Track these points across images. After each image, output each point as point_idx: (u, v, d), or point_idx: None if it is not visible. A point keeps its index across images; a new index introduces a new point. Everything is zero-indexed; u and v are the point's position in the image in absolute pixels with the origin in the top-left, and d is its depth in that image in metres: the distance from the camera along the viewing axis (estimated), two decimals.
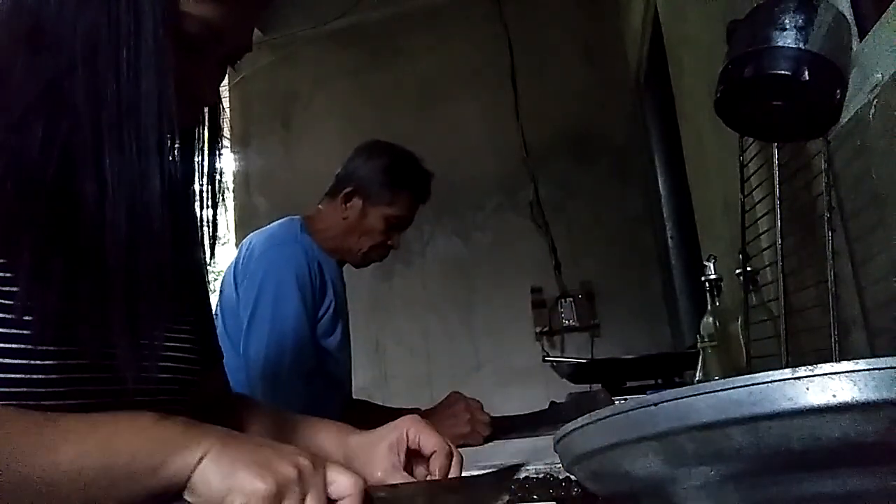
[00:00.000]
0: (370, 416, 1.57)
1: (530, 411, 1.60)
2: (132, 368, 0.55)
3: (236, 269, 1.56)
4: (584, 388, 1.94)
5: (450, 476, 0.69)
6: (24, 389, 0.53)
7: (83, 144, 0.51)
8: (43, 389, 0.54)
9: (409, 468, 0.71)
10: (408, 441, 0.72)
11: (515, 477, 0.70)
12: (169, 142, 0.54)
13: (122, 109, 0.51)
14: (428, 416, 1.50)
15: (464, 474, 0.72)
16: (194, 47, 0.58)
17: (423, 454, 0.71)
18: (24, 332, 0.53)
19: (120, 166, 0.51)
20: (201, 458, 0.50)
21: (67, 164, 0.52)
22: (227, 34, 0.59)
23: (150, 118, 0.52)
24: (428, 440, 0.70)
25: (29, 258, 0.53)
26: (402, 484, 0.61)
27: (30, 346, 0.53)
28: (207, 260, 0.72)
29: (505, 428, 1.55)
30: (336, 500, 0.52)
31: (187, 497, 0.50)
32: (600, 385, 1.77)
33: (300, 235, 1.56)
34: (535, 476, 0.96)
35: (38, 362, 0.54)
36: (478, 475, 0.71)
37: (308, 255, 1.52)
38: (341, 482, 0.52)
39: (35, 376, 0.54)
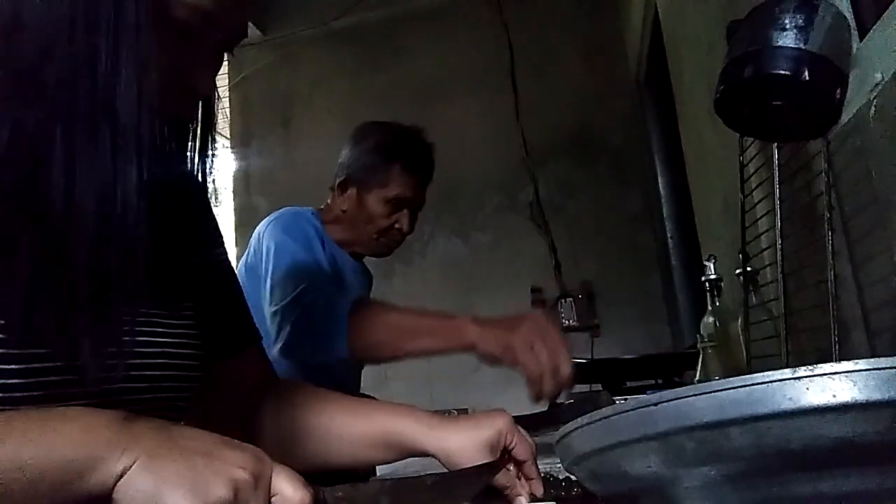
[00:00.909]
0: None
1: (531, 412, 1.60)
2: (95, 373, 0.51)
3: (248, 257, 1.53)
4: (584, 388, 1.94)
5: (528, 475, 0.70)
6: None
7: (54, 137, 0.49)
8: (19, 394, 0.52)
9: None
10: (504, 442, 0.71)
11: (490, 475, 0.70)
12: (150, 136, 0.52)
13: (98, 100, 0.49)
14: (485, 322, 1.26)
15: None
16: (187, 34, 0.56)
17: (516, 458, 0.71)
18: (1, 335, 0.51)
19: (92, 161, 0.49)
20: (126, 469, 0.45)
21: (38, 157, 0.49)
22: (219, 19, 0.57)
23: (128, 110, 0.50)
24: (522, 447, 0.71)
25: None
26: (363, 483, 0.60)
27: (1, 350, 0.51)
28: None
29: None
30: None
31: None
32: (600, 385, 1.77)
33: (311, 217, 1.53)
34: None
35: (8, 367, 0.52)
36: (452, 472, 0.70)
37: (318, 230, 1.49)
38: (287, 494, 0.47)
39: (7, 381, 0.52)
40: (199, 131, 0.66)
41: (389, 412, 0.77)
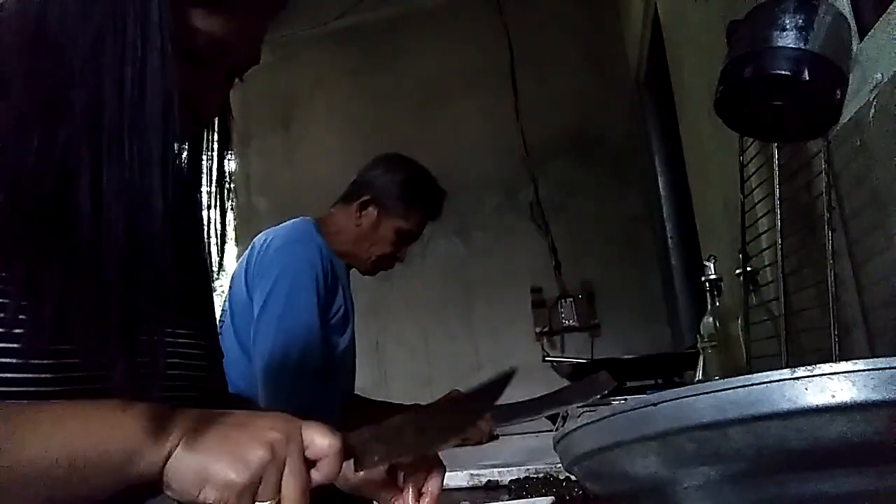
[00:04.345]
0: (369, 413, 1.58)
1: (536, 395, 1.60)
2: (127, 395, 0.53)
3: (248, 265, 1.56)
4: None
5: (430, 488, 0.68)
6: (19, 401, 0.52)
7: (81, 157, 0.50)
8: (48, 388, 0.54)
9: (393, 473, 0.71)
10: None
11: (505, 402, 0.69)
12: (174, 156, 0.53)
13: (125, 125, 0.50)
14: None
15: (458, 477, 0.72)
16: (200, 61, 0.57)
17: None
18: (15, 344, 0.52)
19: (120, 183, 0.50)
20: (171, 451, 0.50)
21: (65, 177, 0.50)
22: (233, 47, 0.58)
23: (154, 136, 0.51)
24: None
25: (22, 269, 0.52)
26: (387, 420, 0.61)
27: (22, 359, 0.53)
28: (216, 262, 0.72)
29: (511, 413, 1.56)
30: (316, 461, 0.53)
31: (165, 490, 0.50)
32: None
33: (315, 235, 1.57)
34: (535, 476, 0.96)
35: (32, 375, 0.53)
36: (465, 392, 0.70)
37: (322, 254, 1.53)
38: (318, 443, 0.52)
39: (30, 389, 0.53)
40: (215, 141, 0.67)
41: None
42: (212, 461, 0.49)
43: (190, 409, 0.53)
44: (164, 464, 0.49)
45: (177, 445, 0.50)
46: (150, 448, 0.49)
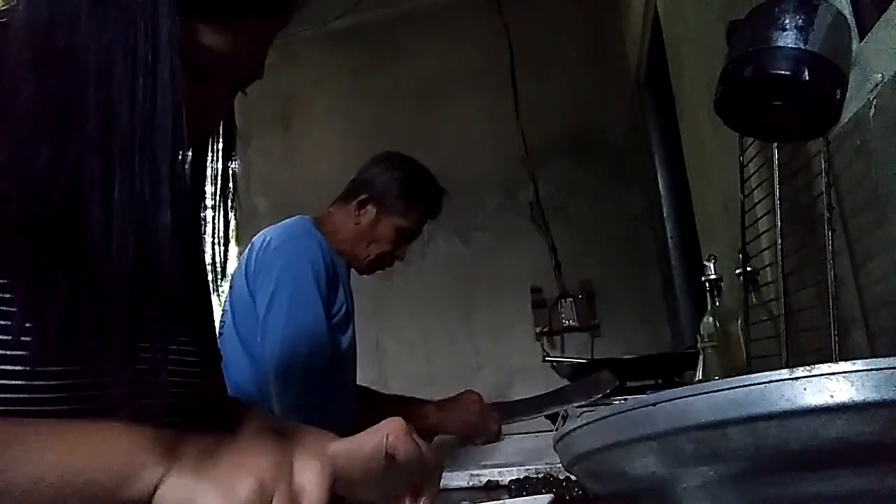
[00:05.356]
0: (379, 406, 1.60)
1: (540, 393, 1.61)
2: (129, 405, 0.54)
3: (248, 264, 1.56)
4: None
5: (426, 485, 0.67)
6: (24, 408, 0.53)
7: (92, 170, 0.50)
8: (44, 408, 0.54)
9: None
10: (386, 446, 0.70)
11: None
12: (182, 170, 0.54)
13: (136, 139, 0.50)
14: (442, 406, 1.54)
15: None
16: (203, 75, 0.58)
17: (397, 460, 0.69)
18: (22, 352, 0.53)
19: (130, 195, 0.50)
20: (162, 478, 0.50)
21: (75, 188, 0.51)
22: (235, 62, 0.59)
23: (164, 149, 0.51)
24: (404, 447, 0.66)
25: (27, 277, 0.52)
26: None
27: (27, 367, 0.53)
28: (219, 265, 0.71)
29: (513, 410, 1.58)
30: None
31: None
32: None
33: (314, 232, 1.57)
34: (535, 476, 0.96)
35: (37, 383, 0.53)
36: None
37: (323, 250, 1.53)
38: (306, 482, 0.53)
39: (35, 395, 0.53)
40: (220, 147, 0.68)
41: (301, 434, 0.75)
42: (201, 490, 0.49)
43: (183, 435, 0.53)
44: (155, 490, 0.49)
45: (168, 472, 0.50)
46: (141, 474, 0.49)
